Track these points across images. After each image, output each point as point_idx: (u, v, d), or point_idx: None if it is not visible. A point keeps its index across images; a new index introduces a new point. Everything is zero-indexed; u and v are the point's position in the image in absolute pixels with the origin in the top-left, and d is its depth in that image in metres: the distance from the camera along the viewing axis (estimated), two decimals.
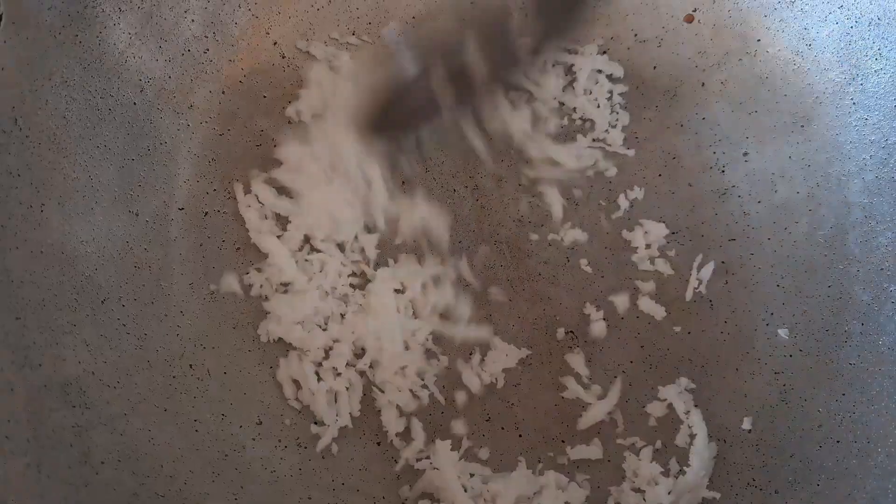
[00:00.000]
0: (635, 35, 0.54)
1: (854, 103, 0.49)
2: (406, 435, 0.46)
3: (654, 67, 0.54)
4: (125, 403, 0.41)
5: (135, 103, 0.48)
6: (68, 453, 0.38)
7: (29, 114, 0.42)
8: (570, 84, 0.54)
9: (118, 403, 0.41)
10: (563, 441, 0.46)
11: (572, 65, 0.54)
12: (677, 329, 0.49)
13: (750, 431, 0.45)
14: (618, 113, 0.53)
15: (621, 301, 0.49)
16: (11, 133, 0.41)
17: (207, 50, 0.51)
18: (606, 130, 0.53)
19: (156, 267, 0.47)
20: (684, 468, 0.45)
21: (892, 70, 0.47)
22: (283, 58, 0.53)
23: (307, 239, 0.49)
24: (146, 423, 0.42)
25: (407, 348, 0.47)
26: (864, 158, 0.48)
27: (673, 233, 0.51)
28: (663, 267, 0.50)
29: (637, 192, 0.52)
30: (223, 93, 0.51)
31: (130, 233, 0.46)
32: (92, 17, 0.45)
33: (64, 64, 0.44)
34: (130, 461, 0.40)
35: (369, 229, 0.50)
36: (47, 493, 0.35)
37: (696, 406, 0.46)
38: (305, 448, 0.45)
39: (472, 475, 0.45)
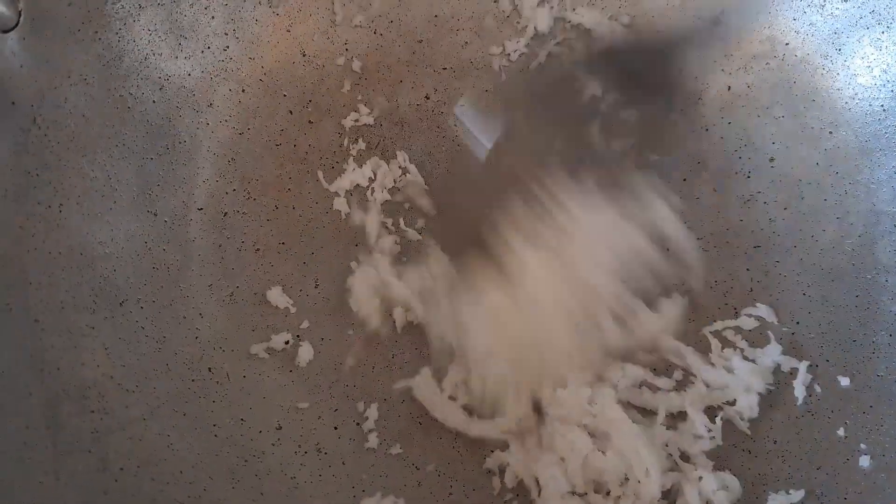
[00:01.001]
0: None
1: (884, 109, 0.48)
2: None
3: (680, 70, 0.53)
4: (144, 408, 0.41)
5: (154, 101, 0.47)
6: (87, 459, 0.37)
7: (48, 112, 0.42)
8: None
9: (137, 408, 0.41)
10: None
11: None
12: None
13: (776, 442, 0.45)
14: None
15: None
16: (30, 132, 0.41)
17: (227, 47, 0.50)
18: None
19: (174, 268, 0.46)
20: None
21: None
22: (304, 55, 0.52)
23: None
24: (165, 428, 0.41)
25: None
26: (893, 166, 0.47)
27: (698, 238, 0.50)
28: None
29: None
30: (243, 91, 0.50)
31: (149, 233, 0.46)
32: (111, 15, 0.45)
33: (83, 62, 0.44)
34: (149, 467, 0.39)
35: None
36: (65, 501, 0.35)
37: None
38: (326, 454, 0.45)
39: None
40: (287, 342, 0.47)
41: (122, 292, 0.43)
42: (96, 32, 0.44)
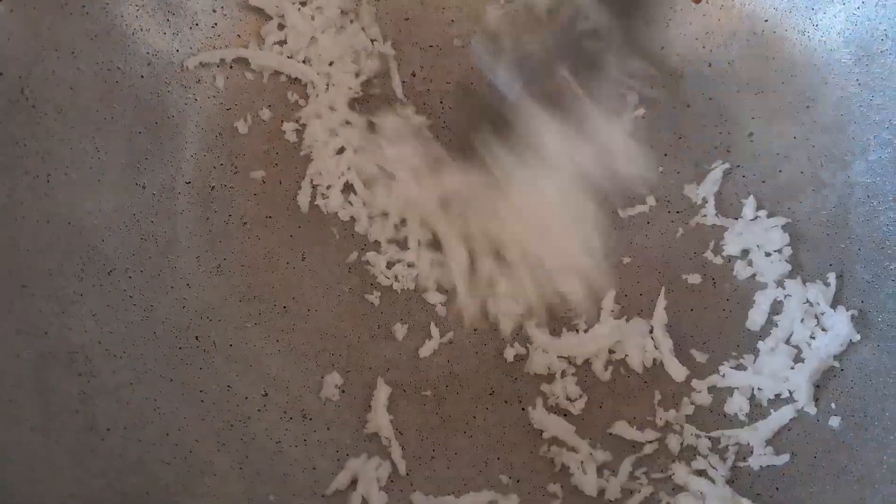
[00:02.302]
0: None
1: (860, 84, 0.49)
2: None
3: (662, 48, 0.54)
4: (131, 373, 0.42)
5: (142, 76, 0.48)
6: (74, 419, 0.38)
7: (36, 84, 0.42)
8: None
9: (124, 373, 0.42)
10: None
11: None
12: (679, 308, 0.49)
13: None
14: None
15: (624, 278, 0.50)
16: (18, 102, 0.42)
17: (216, 24, 0.51)
18: None
19: (162, 240, 0.47)
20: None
21: None
22: None
23: None
24: (152, 393, 0.42)
25: None
26: (867, 139, 0.48)
27: (678, 212, 0.51)
28: None
29: None
30: (231, 67, 0.51)
31: (137, 205, 0.47)
32: None
33: (71, 35, 0.44)
34: (136, 429, 0.40)
35: None
36: (53, 458, 0.36)
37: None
38: (311, 420, 0.45)
39: None
40: (274, 312, 0.48)
41: (111, 261, 0.44)
42: (84, 6, 0.45)
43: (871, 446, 0.41)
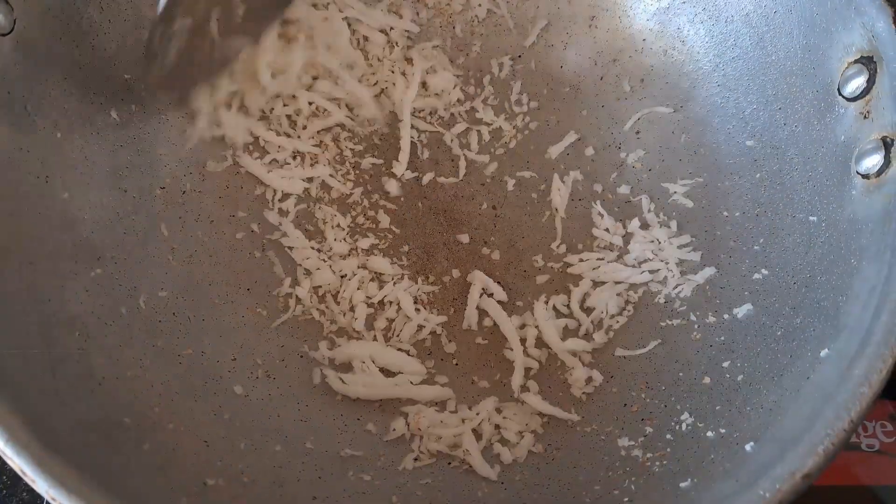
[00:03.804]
0: (546, 41, 0.65)
1: (719, 85, 0.60)
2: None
3: (561, 66, 0.65)
4: (119, 338, 0.49)
5: (122, 100, 0.57)
6: (76, 367, 0.45)
7: (37, 103, 0.51)
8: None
9: (114, 337, 0.49)
10: None
11: None
12: None
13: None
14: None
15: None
16: (23, 118, 0.50)
17: None
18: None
19: (142, 234, 0.55)
20: None
21: (745, 57, 0.58)
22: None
23: None
24: (138, 354, 0.49)
25: None
26: (728, 129, 0.59)
27: (579, 199, 0.61)
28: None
29: None
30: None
31: (120, 205, 0.54)
32: (87, 28, 0.54)
33: (62, 63, 0.53)
34: (126, 380, 0.47)
35: None
36: (61, 391, 0.43)
37: None
38: (275, 379, 0.53)
39: None
40: (238, 294, 0.56)
41: (99, 250, 0.52)
42: (73, 40, 0.54)
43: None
